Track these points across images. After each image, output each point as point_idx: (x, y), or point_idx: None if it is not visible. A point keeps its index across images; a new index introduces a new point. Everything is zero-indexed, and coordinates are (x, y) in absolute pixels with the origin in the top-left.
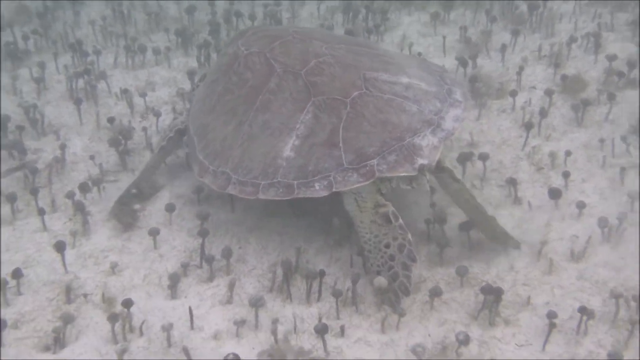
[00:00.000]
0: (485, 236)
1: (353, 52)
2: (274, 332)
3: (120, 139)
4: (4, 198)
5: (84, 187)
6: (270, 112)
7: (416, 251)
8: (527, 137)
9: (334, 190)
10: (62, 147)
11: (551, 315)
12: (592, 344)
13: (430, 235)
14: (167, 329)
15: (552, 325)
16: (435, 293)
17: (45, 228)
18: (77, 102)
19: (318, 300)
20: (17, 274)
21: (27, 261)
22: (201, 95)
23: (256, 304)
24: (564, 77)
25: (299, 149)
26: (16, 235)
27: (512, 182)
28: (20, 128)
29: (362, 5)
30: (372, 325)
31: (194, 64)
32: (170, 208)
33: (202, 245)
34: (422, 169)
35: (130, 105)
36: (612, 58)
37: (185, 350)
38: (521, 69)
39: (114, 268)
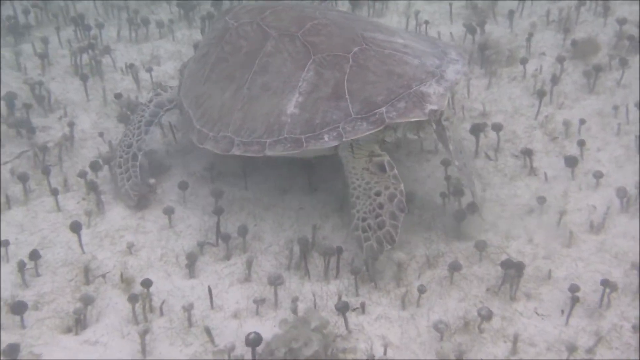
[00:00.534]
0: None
1: (345, 17)
2: (294, 310)
3: (129, 115)
4: (16, 178)
5: (95, 166)
6: (269, 74)
7: (405, 203)
8: (540, 105)
9: (344, 140)
10: (71, 125)
11: (574, 288)
12: (616, 317)
13: (446, 208)
14: (188, 309)
15: (575, 299)
16: (455, 267)
17: (59, 208)
18: (83, 78)
19: (336, 277)
20: (34, 255)
21: (43, 242)
22: (192, 70)
23: (275, 282)
24: (574, 43)
25: (303, 105)
26: (30, 215)
27: (528, 153)
28: (28, 106)
29: None
30: (392, 301)
31: (198, 36)
32: (183, 186)
33: (218, 224)
34: (432, 115)
35: (137, 80)
36: (622, 22)
37: (207, 330)
38: (530, 35)
39: (130, 248)
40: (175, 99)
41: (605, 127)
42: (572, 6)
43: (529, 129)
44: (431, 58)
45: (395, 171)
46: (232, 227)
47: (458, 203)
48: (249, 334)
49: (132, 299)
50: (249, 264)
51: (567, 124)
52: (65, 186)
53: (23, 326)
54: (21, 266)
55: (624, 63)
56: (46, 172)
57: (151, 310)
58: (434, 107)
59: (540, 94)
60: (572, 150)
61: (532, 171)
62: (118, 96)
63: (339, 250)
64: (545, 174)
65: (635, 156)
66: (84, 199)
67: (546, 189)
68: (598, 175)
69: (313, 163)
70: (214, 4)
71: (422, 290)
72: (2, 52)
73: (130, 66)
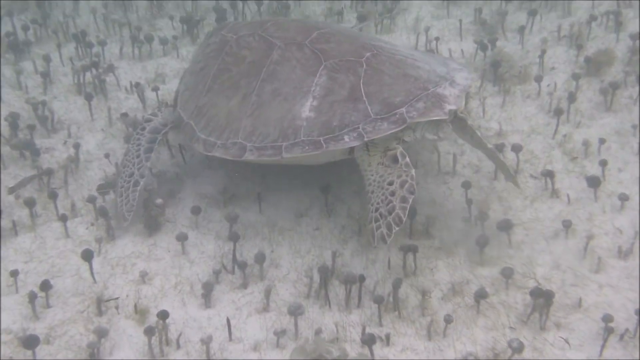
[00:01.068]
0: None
1: (348, 30)
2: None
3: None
4: (21, 202)
5: (102, 190)
6: (278, 81)
7: (416, 185)
8: (558, 124)
9: (365, 139)
10: (76, 146)
11: (607, 318)
12: None
13: (468, 232)
14: (207, 342)
15: (609, 330)
16: (481, 295)
17: (67, 234)
18: (88, 97)
19: (358, 306)
20: (46, 286)
21: (52, 270)
22: (189, 83)
23: (295, 312)
24: (588, 59)
25: (318, 109)
26: (38, 242)
27: (549, 175)
28: (31, 127)
29: None
30: (417, 331)
31: None
32: (196, 211)
33: (234, 250)
34: (451, 115)
35: (142, 100)
36: (635, 37)
37: None
38: (543, 52)
39: (143, 277)
40: (169, 121)
41: (624, 146)
42: (583, 22)
43: (547, 148)
44: (438, 66)
45: (407, 159)
46: (247, 253)
47: (481, 227)
48: None
49: (148, 331)
50: (267, 293)
51: (586, 143)
52: (72, 211)
53: None
54: (32, 297)
55: None
56: (53, 196)
57: (167, 342)
58: (453, 107)
59: (558, 113)
60: (593, 170)
61: (554, 193)
62: (124, 116)
63: (361, 279)
64: (567, 196)
65: None
66: (92, 224)
67: (570, 212)
68: (623, 198)
69: (329, 185)
70: (218, 19)
71: (448, 320)
72: (2, 70)
73: (136, 85)
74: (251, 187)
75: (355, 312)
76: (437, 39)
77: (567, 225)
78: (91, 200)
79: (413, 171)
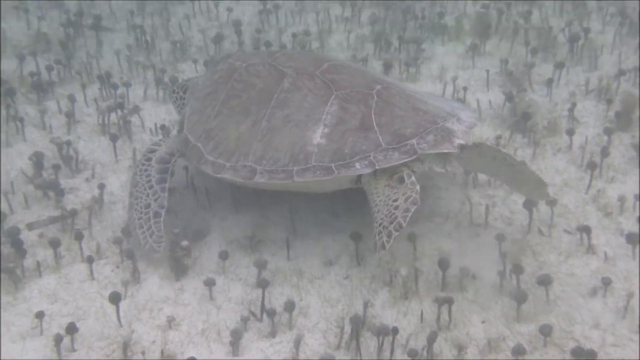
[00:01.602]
0: (526, 195)
1: (356, 65)
2: None
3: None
4: (44, 243)
5: (127, 232)
6: (289, 108)
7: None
8: (591, 179)
9: (376, 167)
10: (101, 187)
11: None
12: None
13: (503, 287)
14: None
15: None
16: (519, 352)
17: (93, 276)
18: (113, 138)
19: (390, 359)
20: (71, 328)
21: (77, 313)
22: (196, 108)
23: None
24: (618, 114)
25: (330, 136)
26: (63, 284)
27: (585, 230)
28: (56, 167)
29: (395, 35)
30: None
31: None
32: (223, 256)
33: (262, 298)
34: (459, 149)
35: None
36: None
37: None
38: (573, 105)
39: (170, 322)
40: (175, 149)
41: None
42: (611, 76)
43: (580, 203)
44: (445, 103)
45: (413, 178)
46: (275, 300)
47: (517, 282)
48: None
49: None
50: (297, 343)
51: (622, 199)
52: (97, 252)
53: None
54: (58, 340)
55: None
56: (79, 237)
57: None
58: (462, 141)
59: (591, 167)
60: (629, 226)
61: (590, 249)
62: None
63: (395, 331)
64: (605, 252)
65: None
66: (117, 266)
67: (607, 269)
68: None
69: (360, 234)
70: None
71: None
72: (26, 110)
73: (162, 127)
74: (279, 233)
75: None
76: (465, 88)
77: (606, 282)
78: (117, 241)
79: (418, 187)
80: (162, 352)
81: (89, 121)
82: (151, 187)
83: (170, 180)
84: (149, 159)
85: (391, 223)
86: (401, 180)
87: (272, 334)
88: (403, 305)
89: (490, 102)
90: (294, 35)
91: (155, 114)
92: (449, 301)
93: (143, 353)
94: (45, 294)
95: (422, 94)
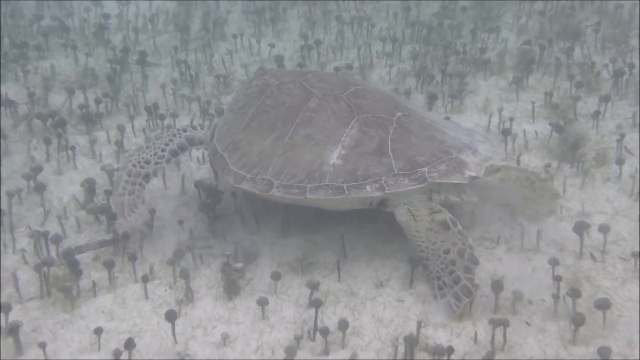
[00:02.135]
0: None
1: (383, 90)
2: None
3: (209, 203)
4: (97, 264)
5: (179, 254)
6: (312, 127)
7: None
8: None
9: (386, 192)
10: (152, 212)
11: None
12: None
13: (558, 310)
14: None
15: None
16: None
17: (147, 296)
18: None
19: None
20: (130, 344)
21: (133, 330)
22: (228, 119)
23: None
24: None
25: (346, 157)
26: (119, 303)
27: None
28: (108, 193)
29: (436, 70)
30: None
31: None
32: (276, 276)
33: (315, 317)
34: (471, 180)
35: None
36: None
37: None
38: (622, 136)
39: (225, 339)
40: (205, 142)
41: None
42: None
43: (633, 230)
44: (463, 135)
45: (459, 226)
46: (327, 320)
47: (573, 305)
48: None
49: None
50: None
51: None
52: (150, 273)
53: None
54: (116, 355)
55: None
56: (133, 259)
57: None
58: (473, 173)
59: None
60: None
61: None
62: (199, 184)
63: (450, 350)
64: None
65: None
66: (170, 287)
67: None
68: None
69: (417, 259)
70: None
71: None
72: (76, 140)
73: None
74: (329, 256)
75: None
76: (511, 119)
77: None
78: (171, 262)
79: (469, 239)
80: None
81: None
82: (163, 150)
83: (218, 206)
84: (184, 130)
85: (455, 283)
86: (445, 226)
87: (326, 352)
88: (456, 326)
89: (536, 132)
90: (337, 69)
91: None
92: (505, 323)
93: None
94: (102, 312)
95: (443, 124)
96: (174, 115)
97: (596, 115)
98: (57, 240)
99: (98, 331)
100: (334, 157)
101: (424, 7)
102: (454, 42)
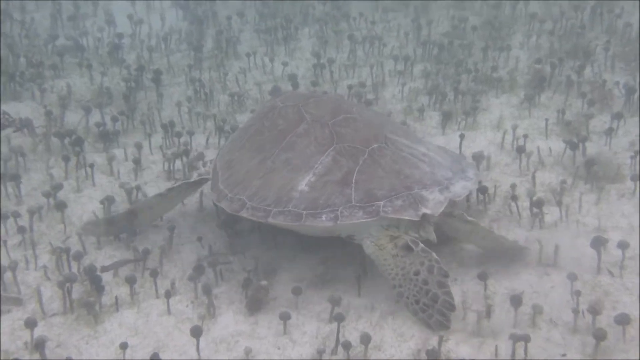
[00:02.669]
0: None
1: (379, 118)
2: None
3: (229, 221)
4: (119, 280)
5: (199, 270)
6: (293, 152)
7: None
8: None
9: (338, 223)
10: (171, 229)
11: None
12: None
13: (577, 325)
14: None
15: None
16: None
17: (169, 311)
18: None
19: None
20: (155, 359)
21: (157, 346)
22: (234, 137)
23: None
24: None
25: (313, 185)
26: (142, 318)
27: None
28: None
29: (449, 88)
30: None
31: None
32: (297, 291)
33: (337, 331)
34: (424, 218)
35: None
36: None
37: None
38: (636, 152)
39: (248, 354)
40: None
41: None
42: None
43: None
44: (445, 170)
45: (422, 245)
46: (348, 335)
47: (593, 320)
48: None
49: None
50: None
51: None
52: (172, 289)
53: None
54: None
55: None
56: (154, 274)
57: None
58: (427, 211)
59: None
60: None
61: None
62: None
63: None
64: None
65: None
66: (192, 302)
67: None
68: None
69: None
70: None
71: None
72: (94, 157)
73: None
74: (348, 273)
75: None
76: (525, 136)
77: None
78: (192, 278)
79: (434, 254)
80: None
81: (154, 168)
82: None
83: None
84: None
85: (434, 301)
86: (408, 248)
87: None
88: (477, 341)
89: (550, 149)
90: (350, 87)
91: None
92: (526, 339)
93: None
94: (126, 328)
95: (424, 157)
96: (190, 133)
97: (609, 132)
98: (78, 256)
99: (123, 346)
100: (303, 183)
101: (435, 27)
102: (465, 61)
